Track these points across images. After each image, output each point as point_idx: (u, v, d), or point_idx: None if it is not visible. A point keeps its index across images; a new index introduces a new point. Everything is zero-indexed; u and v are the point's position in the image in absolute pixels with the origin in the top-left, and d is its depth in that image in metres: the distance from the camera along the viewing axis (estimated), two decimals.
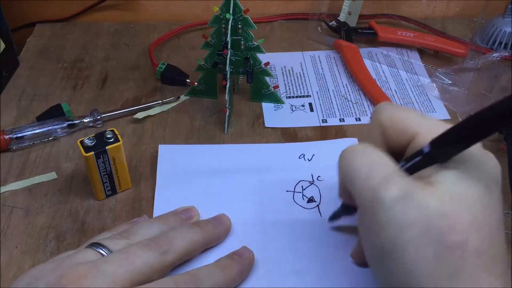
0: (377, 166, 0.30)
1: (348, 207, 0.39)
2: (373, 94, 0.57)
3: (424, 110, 0.56)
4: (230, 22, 0.49)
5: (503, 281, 0.27)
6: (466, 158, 0.29)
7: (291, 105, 0.57)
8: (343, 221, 0.42)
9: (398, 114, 0.33)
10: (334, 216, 0.42)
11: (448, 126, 0.30)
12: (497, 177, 0.30)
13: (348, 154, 0.32)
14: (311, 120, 0.55)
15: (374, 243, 0.29)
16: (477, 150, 0.30)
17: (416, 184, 0.29)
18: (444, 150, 0.29)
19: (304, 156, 0.49)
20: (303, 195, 0.45)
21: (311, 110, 0.56)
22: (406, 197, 0.28)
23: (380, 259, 0.29)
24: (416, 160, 0.30)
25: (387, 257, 0.28)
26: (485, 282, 0.27)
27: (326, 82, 0.60)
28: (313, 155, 0.49)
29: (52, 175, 0.48)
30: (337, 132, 0.53)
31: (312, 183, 0.46)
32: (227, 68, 0.51)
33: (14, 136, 0.49)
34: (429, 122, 0.32)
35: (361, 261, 0.38)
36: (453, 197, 0.28)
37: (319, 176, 0.47)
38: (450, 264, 0.27)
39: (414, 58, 0.64)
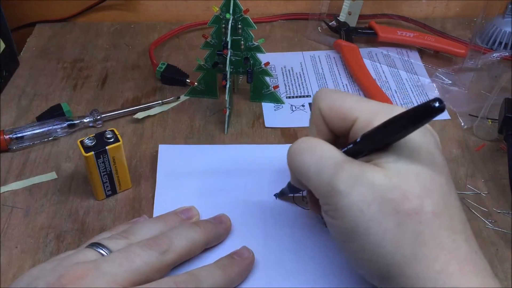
0: (325, 159, 0.32)
1: (295, 188, 0.41)
2: (373, 94, 0.57)
3: None
4: (230, 22, 0.49)
5: (464, 237, 0.30)
6: (403, 141, 0.31)
7: (291, 105, 0.57)
8: None
9: (336, 101, 0.35)
10: (281, 194, 0.45)
11: (383, 110, 0.32)
12: (436, 143, 0.33)
13: (295, 153, 0.34)
14: None
15: (340, 227, 0.31)
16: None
17: (364, 167, 0.31)
18: (374, 143, 0.32)
19: None
20: (303, 195, 0.45)
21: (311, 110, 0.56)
22: (358, 180, 0.30)
23: (348, 240, 0.31)
24: (349, 147, 0.33)
25: (355, 237, 0.30)
26: (448, 240, 0.29)
27: (326, 82, 0.60)
28: None
29: (52, 175, 0.48)
30: None
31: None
32: (227, 68, 0.51)
33: (14, 136, 0.49)
34: (367, 105, 0.34)
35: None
36: (399, 173, 0.30)
37: None
38: (411, 229, 0.29)
39: (414, 58, 0.64)
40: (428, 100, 0.27)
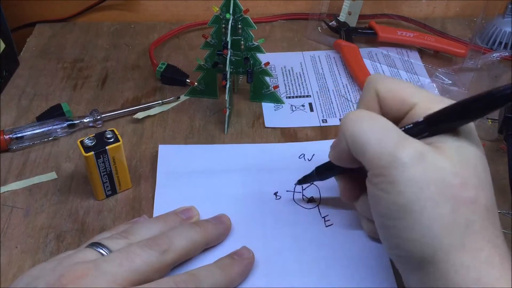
0: (388, 130, 0.32)
1: (321, 173, 0.41)
2: None
3: None
4: (230, 22, 0.49)
5: (502, 235, 0.31)
6: (460, 129, 0.32)
7: (291, 105, 0.57)
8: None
9: (394, 84, 0.35)
10: (305, 180, 0.43)
11: (442, 99, 0.33)
12: (481, 145, 0.33)
13: (355, 120, 0.33)
14: (311, 120, 0.55)
15: (391, 203, 0.30)
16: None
17: (428, 147, 0.31)
18: (437, 126, 0.32)
19: (304, 156, 0.49)
20: (303, 195, 0.45)
21: (311, 110, 0.56)
22: (423, 157, 0.30)
23: (397, 217, 0.30)
24: (409, 126, 0.33)
25: (406, 215, 0.30)
26: (493, 235, 0.30)
27: (326, 82, 0.60)
28: (313, 155, 0.49)
29: (52, 175, 0.48)
30: (337, 132, 0.53)
31: (312, 183, 0.46)
32: (227, 68, 0.51)
33: (14, 136, 0.49)
34: (426, 93, 0.34)
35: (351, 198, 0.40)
36: (460, 160, 0.30)
37: None
38: (464, 217, 0.29)
39: (414, 58, 0.64)
40: (499, 86, 0.27)
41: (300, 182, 0.44)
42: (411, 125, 0.33)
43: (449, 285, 0.29)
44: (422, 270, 0.30)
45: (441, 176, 0.30)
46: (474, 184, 0.30)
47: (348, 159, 0.35)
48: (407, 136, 0.31)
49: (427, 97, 0.34)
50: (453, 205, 0.29)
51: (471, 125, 0.33)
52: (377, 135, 0.31)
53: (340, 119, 0.55)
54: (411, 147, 0.30)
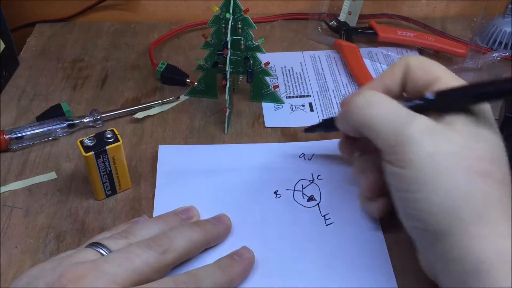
0: (393, 110, 0.33)
1: (329, 126, 0.43)
2: None
3: None
4: (230, 22, 0.49)
5: None
6: (475, 110, 0.33)
7: (291, 105, 0.56)
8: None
9: (426, 60, 0.37)
10: (311, 129, 0.47)
11: (464, 82, 0.35)
12: (497, 128, 0.34)
13: (364, 107, 0.34)
14: (311, 120, 0.55)
15: (407, 177, 0.31)
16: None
17: (436, 122, 0.32)
18: (448, 102, 0.33)
19: (304, 155, 0.49)
20: (303, 193, 0.45)
21: (311, 110, 0.56)
22: (432, 131, 0.31)
23: (414, 190, 0.31)
24: (417, 102, 0.34)
25: (422, 187, 0.31)
26: (509, 209, 0.30)
27: (326, 82, 0.60)
28: (313, 154, 0.49)
29: (52, 175, 0.48)
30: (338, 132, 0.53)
31: (312, 182, 0.46)
32: (227, 68, 0.51)
33: (14, 136, 0.49)
34: (452, 73, 0.36)
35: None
36: (471, 135, 0.32)
37: (319, 175, 0.47)
38: (481, 189, 0.30)
39: None
40: None
41: (307, 130, 0.47)
42: (422, 101, 0.34)
43: (466, 256, 0.29)
44: (439, 242, 0.31)
45: (454, 149, 0.31)
46: (488, 158, 0.31)
47: (355, 135, 0.38)
48: (414, 113, 0.32)
49: (452, 76, 0.35)
50: (467, 177, 0.30)
51: (488, 110, 0.34)
52: (386, 118, 0.33)
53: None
54: (419, 122, 0.32)
